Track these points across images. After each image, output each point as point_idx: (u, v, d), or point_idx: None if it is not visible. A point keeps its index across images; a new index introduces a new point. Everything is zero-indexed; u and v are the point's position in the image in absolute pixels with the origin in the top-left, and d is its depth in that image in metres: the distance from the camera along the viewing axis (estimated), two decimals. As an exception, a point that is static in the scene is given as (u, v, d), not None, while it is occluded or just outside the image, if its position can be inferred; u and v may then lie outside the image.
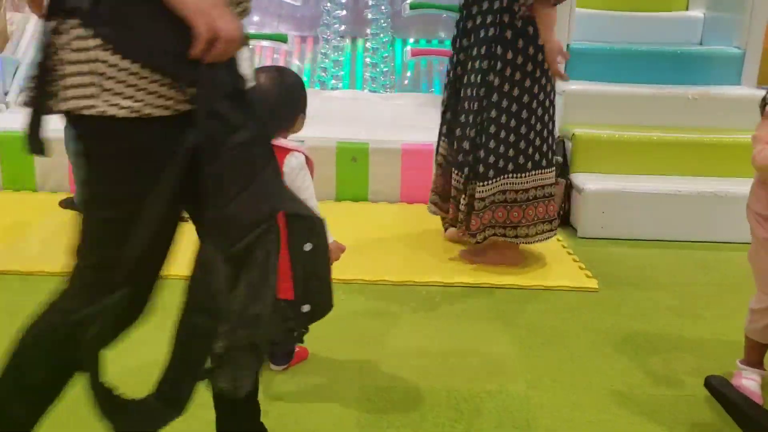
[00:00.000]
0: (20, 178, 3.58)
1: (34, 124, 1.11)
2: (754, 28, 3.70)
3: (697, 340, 2.23)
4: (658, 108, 3.52)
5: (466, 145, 2.58)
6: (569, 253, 2.94)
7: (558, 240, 3.10)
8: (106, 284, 1.12)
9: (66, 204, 3.30)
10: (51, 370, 1.20)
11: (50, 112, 1.09)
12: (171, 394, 1.15)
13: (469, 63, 2.57)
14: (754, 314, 1.81)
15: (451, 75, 2.69)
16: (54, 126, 1.18)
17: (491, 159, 2.55)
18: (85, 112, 1.04)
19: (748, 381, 1.86)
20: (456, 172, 2.65)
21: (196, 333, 1.13)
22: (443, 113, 2.76)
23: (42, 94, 1.07)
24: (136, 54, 1.03)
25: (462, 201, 2.61)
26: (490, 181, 2.56)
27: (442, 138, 2.76)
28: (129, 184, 1.10)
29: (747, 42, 3.72)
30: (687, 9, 4.23)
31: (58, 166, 3.40)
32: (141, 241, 1.09)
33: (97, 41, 1.02)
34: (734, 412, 1.81)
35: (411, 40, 4.86)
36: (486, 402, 1.82)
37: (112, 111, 1.04)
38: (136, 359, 1.97)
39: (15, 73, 4.30)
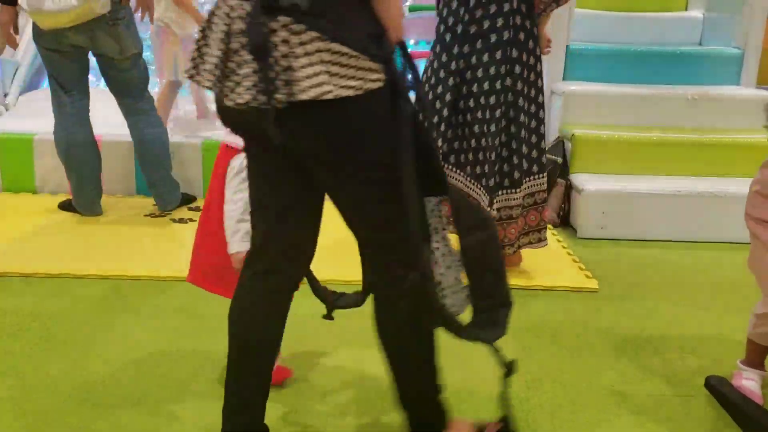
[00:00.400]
0: (20, 180, 3.58)
1: (271, 117, 1.20)
2: (753, 28, 3.70)
3: (697, 340, 2.23)
4: (658, 108, 3.52)
5: (488, 155, 2.46)
6: (569, 254, 2.94)
7: (558, 240, 3.10)
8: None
9: (65, 206, 3.30)
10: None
11: (280, 103, 1.19)
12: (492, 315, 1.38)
13: (477, 70, 2.43)
14: (759, 319, 1.80)
15: (449, 83, 2.46)
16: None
17: (524, 164, 2.51)
18: (324, 97, 1.17)
19: (749, 381, 1.86)
20: (475, 184, 2.50)
21: (484, 246, 1.35)
22: (436, 125, 2.50)
23: (273, 89, 1.18)
24: (346, 40, 1.19)
25: None
26: (522, 185, 2.53)
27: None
28: (383, 153, 1.25)
29: (746, 42, 3.72)
30: (686, 9, 4.24)
31: (57, 169, 3.40)
32: (414, 202, 1.26)
33: (314, 34, 1.17)
34: (734, 412, 1.80)
35: (411, 42, 4.86)
36: (486, 402, 1.81)
37: (344, 92, 1.18)
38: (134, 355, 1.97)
39: (14, 75, 4.31)
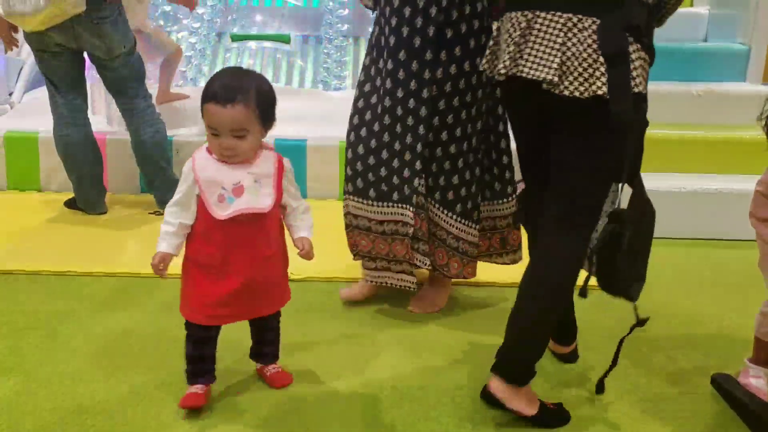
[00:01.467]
0: (25, 178, 3.58)
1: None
2: (759, 25, 3.68)
3: (702, 338, 2.22)
4: (663, 105, 3.49)
5: (465, 175, 2.27)
6: (574, 251, 2.92)
7: (563, 238, 3.09)
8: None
9: (70, 204, 3.30)
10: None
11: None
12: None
13: (459, 81, 2.12)
14: (766, 318, 1.80)
15: (434, 92, 2.13)
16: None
17: (507, 175, 2.34)
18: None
19: (756, 379, 1.85)
20: (438, 207, 2.26)
21: (644, 233, 1.74)
22: (423, 138, 2.17)
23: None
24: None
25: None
26: (507, 196, 2.36)
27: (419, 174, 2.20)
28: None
29: (752, 38, 3.70)
30: (692, 5, 4.22)
31: (62, 167, 3.40)
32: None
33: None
34: (741, 410, 1.80)
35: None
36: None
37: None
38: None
39: (19, 73, 4.32)
